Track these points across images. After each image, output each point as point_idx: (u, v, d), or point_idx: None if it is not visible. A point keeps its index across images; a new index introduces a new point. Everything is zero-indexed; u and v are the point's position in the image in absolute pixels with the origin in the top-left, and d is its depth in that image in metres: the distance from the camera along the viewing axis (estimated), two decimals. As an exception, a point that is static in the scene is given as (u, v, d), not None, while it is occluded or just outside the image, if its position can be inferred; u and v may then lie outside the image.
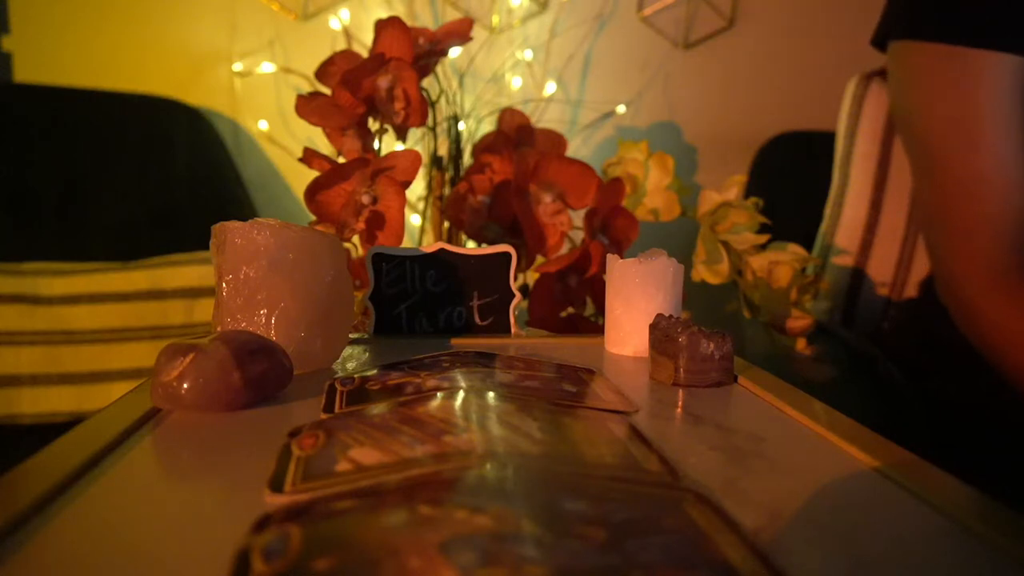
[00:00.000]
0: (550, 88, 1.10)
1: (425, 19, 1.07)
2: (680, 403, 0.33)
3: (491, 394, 0.31)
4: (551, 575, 0.16)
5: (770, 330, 0.70)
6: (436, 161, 0.77)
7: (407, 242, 0.56)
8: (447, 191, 0.77)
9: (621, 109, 1.14)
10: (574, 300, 0.62)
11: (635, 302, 0.43)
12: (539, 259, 0.64)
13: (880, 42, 0.72)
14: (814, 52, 1.16)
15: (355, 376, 0.35)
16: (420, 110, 0.59)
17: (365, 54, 0.61)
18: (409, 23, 0.61)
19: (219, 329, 0.36)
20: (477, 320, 0.49)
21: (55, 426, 0.74)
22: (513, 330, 0.50)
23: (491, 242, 0.64)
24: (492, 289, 0.49)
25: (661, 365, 0.37)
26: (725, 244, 0.66)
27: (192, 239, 0.86)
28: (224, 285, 0.36)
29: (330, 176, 0.54)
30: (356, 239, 0.58)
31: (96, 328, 0.79)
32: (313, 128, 0.74)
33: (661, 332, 0.37)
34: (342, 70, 0.57)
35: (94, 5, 1.02)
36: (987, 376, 0.61)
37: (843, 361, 0.74)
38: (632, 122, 1.16)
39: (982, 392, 0.64)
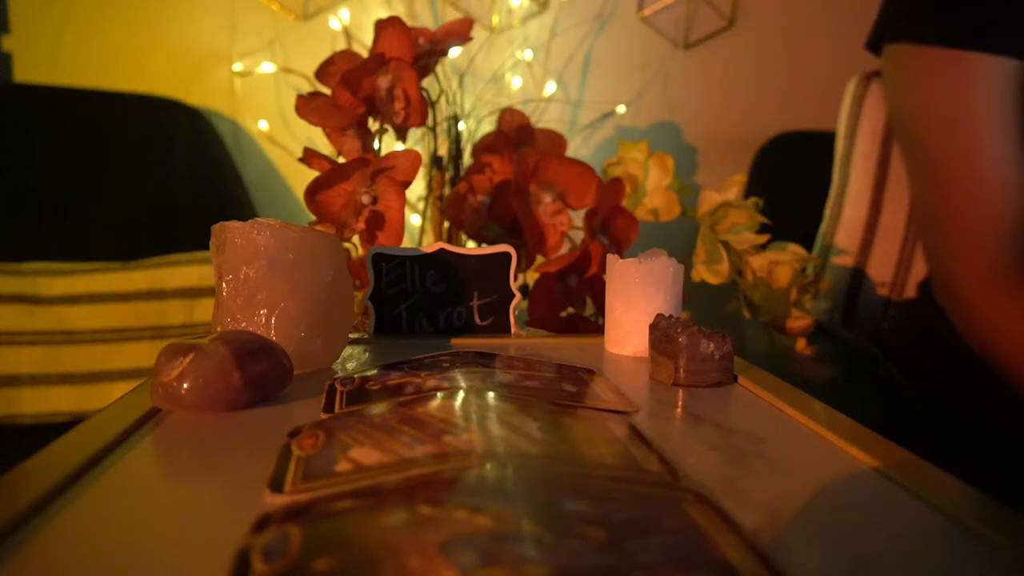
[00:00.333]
0: (550, 88, 1.10)
1: (425, 19, 1.07)
2: (680, 403, 0.33)
3: (491, 394, 0.31)
4: (551, 575, 0.16)
5: (770, 330, 0.70)
6: (436, 161, 0.77)
7: (407, 242, 0.56)
8: (447, 191, 0.77)
9: (621, 109, 1.14)
10: (574, 300, 0.62)
11: (635, 302, 0.43)
12: (539, 259, 0.64)
13: (875, 45, 0.72)
14: (814, 52, 1.16)
15: (355, 376, 0.35)
16: (420, 110, 0.59)
17: (365, 54, 0.61)
18: (409, 23, 0.61)
19: (219, 329, 0.36)
20: (477, 320, 0.49)
21: (55, 426, 0.74)
22: (513, 330, 0.50)
23: (491, 242, 0.64)
24: (492, 289, 0.49)
25: (661, 365, 0.37)
26: (725, 244, 0.66)
27: (192, 239, 0.86)
28: (224, 285, 0.36)
29: (330, 176, 0.54)
30: (356, 239, 0.58)
31: (96, 328, 0.79)
32: (313, 128, 0.74)
33: (661, 332, 0.37)
34: (342, 70, 0.57)
35: (94, 5, 1.02)
36: (987, 376, 0.61)
37: (843, 361, 0.74)
38: (632, 122, 1.16)
39: (982, 392, 0.64)
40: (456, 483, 0.21)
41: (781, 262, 0.65)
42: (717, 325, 0.38)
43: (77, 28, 1.02)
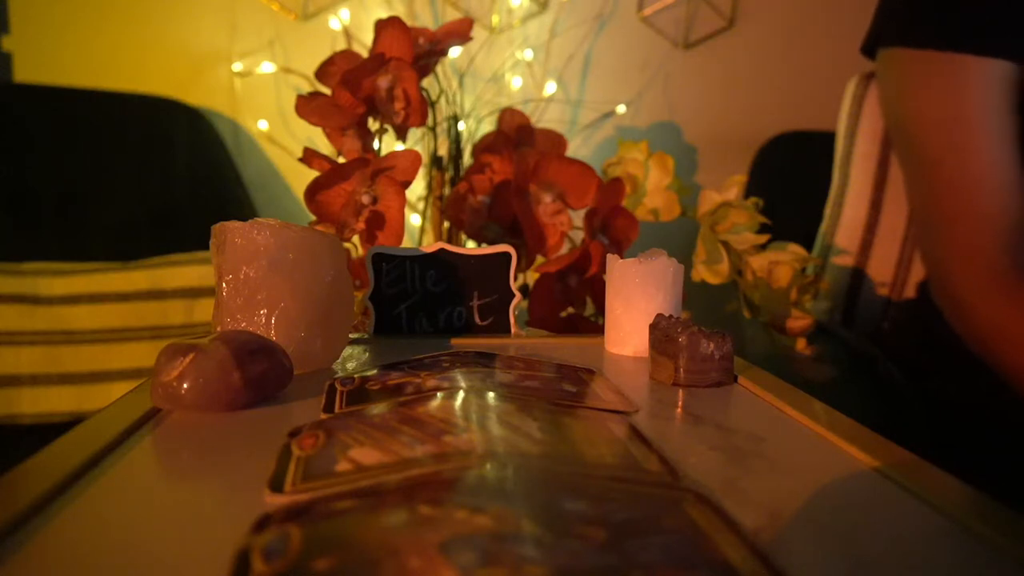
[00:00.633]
0: (550, 88, 1.10)
1: (425, 19, 1.07)
2: (680, 403, 0.33)
3: (491, 394, 0.31)
4: (551, 575, 0.16)
5: (770, 330, 0.70)
6: (436, 161, 0.77)
7: (407, 242, 0.56)
8: (447, 191, 0.77)
9: (621, 109, 1.14)
10: (574, 300, 0.62)
11: (635, 302, 0.43)
12: (539, 259, 0.64)
13: (870, 50, 0.72)
14: (814, 52, 1.16)
15: (355, 376, 0.35)
16: (420, 110, 0.59)
17: (365, 54, 0.61)
18: (409, 23, 0.61)
19: (219, 329, 0.36)
20: (477, 320, 0.49)
21: (55, 426, 0.74)
22: (513, 330, 0.50)
23: (491, 242, 0.64)
24: (492, 289, 0.49)
25: (661, 365, 0.37)
26: (725, 244, 0.66)
27: (192, 239, 0.86)
28: (224, 285, 0.36)
29: (330, 176, 0.54)
30: (356, 239, 0.58)
31: (96, 328, 0.79)
32: (313, 128, 0.74)
33: (661, 332, 0.37)
34: (342, 70, 0.57)
35: (94, 5, 1.02)
36: (987, 376, 0.61)
37: (843, 361, 0.74)
38: (632, 122, 1.16)
39: (982, 392, 0.64)
40: (456, 483, 0.21)
41: (781, 262, 0.65)
42: (717, 325, 0.38)
43: (77, 28, 1.02)
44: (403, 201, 0.53)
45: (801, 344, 0.69)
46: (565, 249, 0.64)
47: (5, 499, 0.21)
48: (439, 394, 0.31)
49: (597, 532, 0.18)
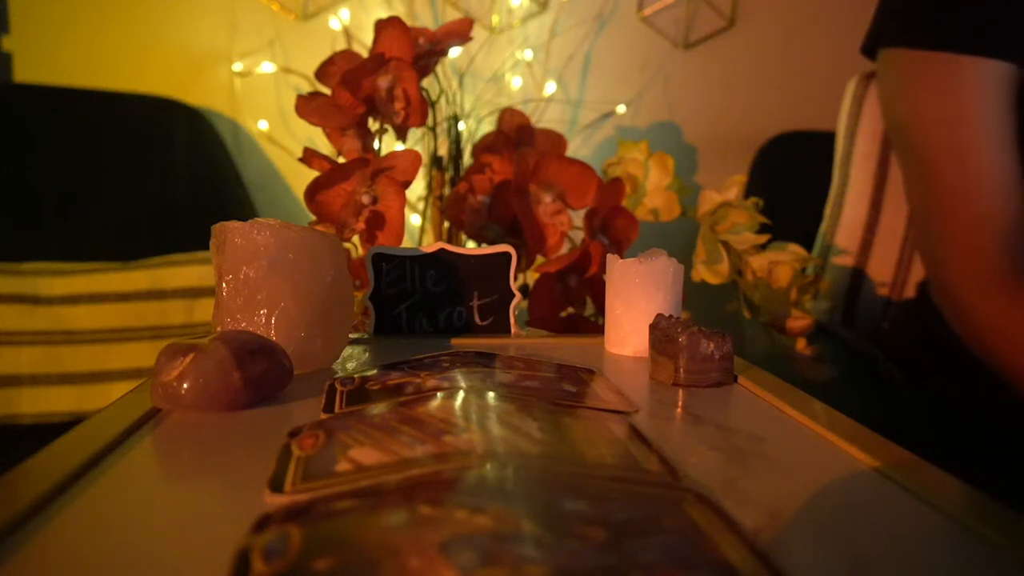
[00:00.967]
0: (550, 88, 1.10)
1: (425, 19, 1.07)
2: (680, 403, 0.33)
3: (491, 394, 0.31)
4: (551, 575, 0.16)
5: (770, 330, 0.70)
6: (436, 161, 0.77)
7: (407, 242, 0.56)
8: (447, 191, 0.77)
9: (621, 109, 1.14)
10: (574, 300, 0.62)
11: (635, 302, 0.43)
12: (539, 259, 0.64)
13: (870, 50, 0.72)
14: (814, 52, 1.16)
15: (355, 376, 0.35)
16: (420, 110, 0.59)
17: (365, 54, 0.61)
18: (409, 23, 0.61)
19: (219, 329, 0.36)
20: (477, 320, 0.49)
21: (55, 426, 0.74)
22: (513, 330, 0.50)
23: (491, 242, 0.64)
24: (492, 289, 0.49)
25: (661, 365, 0.37)
26: (725, 244, 0.66)
27: (192, 239, 0.86)
28: (224, 285, 0.36)
29: (330, 176, 0.54)
30: (356, 239, 0.58)
31: (96, 328, 0.79)
32: (313, 128, 0.74)
33: (661, 332, 0.37)
34: (342, 70, 0.57)
35: (94, 5, 1.02)
36: (987, 376, 0.61)
37: (843, 361, 0.74)
38: (632, 122, 1.16)
39: (982, 392, 0.64)
40: (456, 483, 0.21)
41: (781, 262, 0.65)
42: (717, 325, 0.38)
43: (77, 28, 1.02)
44: (403, 201, 0.53)
45: (801, 344, 0.69)
46: (565, 249, 0.64)
47: (5, 499, 0.21)
48: (439, 394, 0.31)
49: (597, 532, 0.18)
